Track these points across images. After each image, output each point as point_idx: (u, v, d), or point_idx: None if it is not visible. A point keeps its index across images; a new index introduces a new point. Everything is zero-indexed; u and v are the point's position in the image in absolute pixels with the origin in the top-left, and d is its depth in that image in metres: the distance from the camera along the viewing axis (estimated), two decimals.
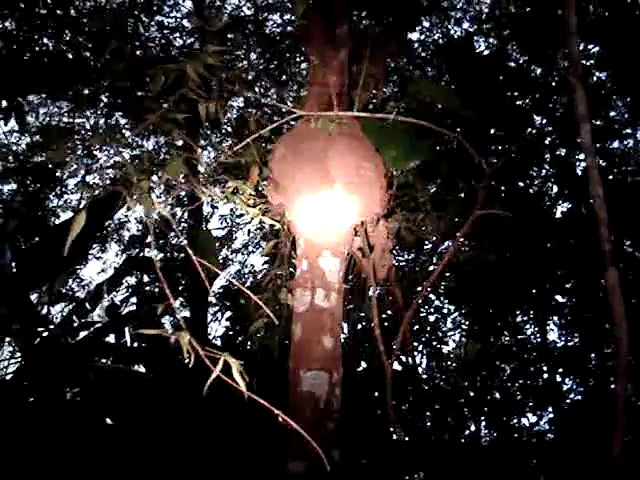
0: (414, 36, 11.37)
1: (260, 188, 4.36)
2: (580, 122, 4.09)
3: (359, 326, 10.09)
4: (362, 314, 9.48)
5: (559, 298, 11.26)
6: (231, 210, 15.12)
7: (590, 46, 9.92)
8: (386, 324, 9.32)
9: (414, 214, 5.01)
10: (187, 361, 1.93)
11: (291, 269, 4.64)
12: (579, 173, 10.46)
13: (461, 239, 4.39)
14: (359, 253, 4.46)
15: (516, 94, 8.60)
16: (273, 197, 4.03)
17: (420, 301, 9.62)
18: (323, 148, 3.96)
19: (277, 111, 9.89)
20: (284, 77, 12.57)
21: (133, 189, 2.45)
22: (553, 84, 9.26)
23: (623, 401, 3.55)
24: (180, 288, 10.68)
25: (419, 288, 9.14)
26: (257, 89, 12.06)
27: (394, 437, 9.02)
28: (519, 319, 11.89)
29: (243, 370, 1.86)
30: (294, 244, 4.20)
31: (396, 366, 11.40)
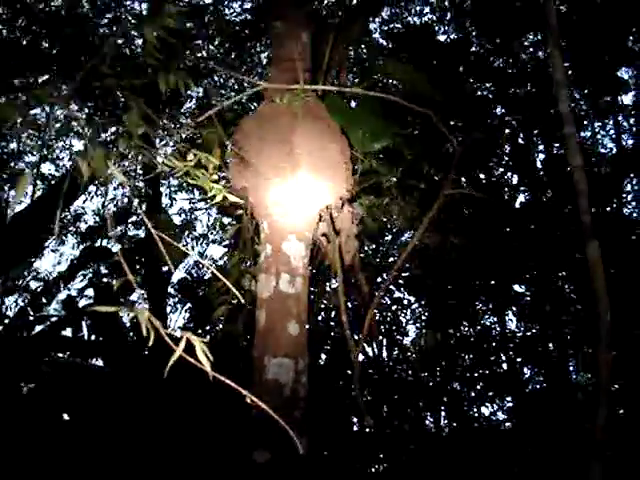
0: (374, 27, 11.39)
1: (219, 175, 4.24)
2: (558, 89, 4.02)
3: (320, 317, 10.03)
4: (324, 302, 9.42)
5: (517, 288, 11.34)
6: (190, 200, 15.00)
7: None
8: (350, 313, 9.29)
9: (379, 199, 4.95)
10: (148, 342, 1.81)
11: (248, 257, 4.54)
12: (538, 164, 10.57)
13: (427, 224, 4.30)
14: (323, 239, 4.38)
15: (477, 84, 8.61)
16: (236, 180, 3.92)
17: (386, 287, 9.59)
18: (287, 129, 3.87)
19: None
20: (244, 68, 12.43)
21: (89, 154, 2.31)
22: (513, 73, 9.30)
23: (607, 376, 3.50)
24: (138, 279, 10.52)
25: (384, 276, 9.10)
26: (217, 77, 11.90)
27: (355, 428, 9.02)
28: (478, 309, 11.93)
29: (207, 349, 1.75)
30: (257, 229, 4.10)
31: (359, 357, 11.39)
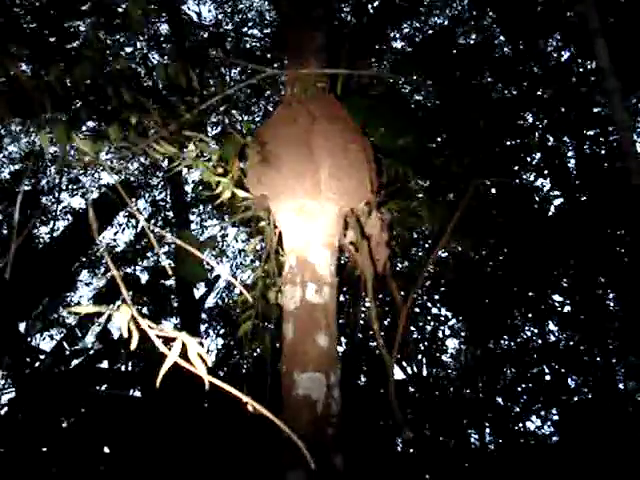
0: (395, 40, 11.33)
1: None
2: (593, 37, 3.74)
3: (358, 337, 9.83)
4: (362, 321, 9.24)
5: (557, 297, 11.04)
6: (221, 228, 15.05)
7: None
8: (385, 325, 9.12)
9: (407, 202, 4.76)
10: (131, 345, 1.63)
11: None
12: (571, 166, 10.32)
13: (457, 222, 4.07)
14: (352, 248, 4.18)
15: (503, 88, 8.43)
16: (255, 188, 3.75)
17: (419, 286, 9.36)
18: (306, 131, 3.69)
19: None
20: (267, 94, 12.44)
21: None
22: (538, 74, 9.09)
23: None
24: (170, 308, 10.47)
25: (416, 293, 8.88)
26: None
27: (399, 448, 8.78)
28: (517, 321, 11.64)
29: (203, 352, 1.57)
30: (280, 239, 3.92)
31: (400, 375, 11.25)
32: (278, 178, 3.63)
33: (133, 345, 1.60)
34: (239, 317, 4.37)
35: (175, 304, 11.08)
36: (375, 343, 9.69)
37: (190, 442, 5.84)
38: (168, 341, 1.63)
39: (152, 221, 15.73)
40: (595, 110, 9.30)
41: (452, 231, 3.87)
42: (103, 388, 7.02)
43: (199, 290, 11.04)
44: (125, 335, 1.58)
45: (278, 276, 4.14)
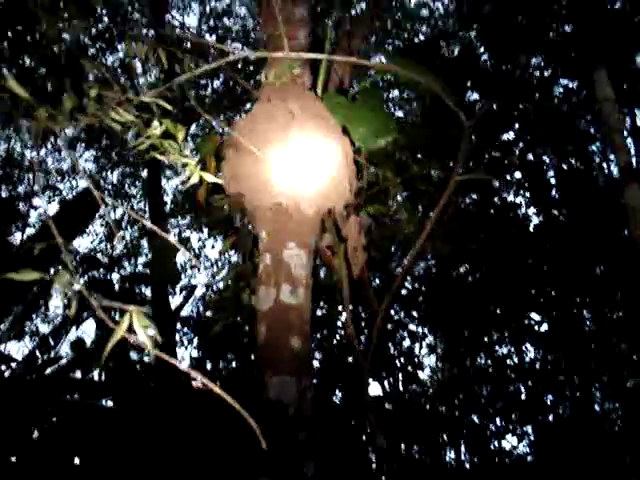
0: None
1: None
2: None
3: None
4: (335, 340, 9.13)
5: (534, 316, 11.03)
6: (199, 239, 15.05)
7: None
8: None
9: (386, 207, 4.68)
10: (71, 312, 1.54)
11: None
12: (551, 182, 10.32)
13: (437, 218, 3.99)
14: (329, 251, 4.09)
15: (484, 101, 8.41)
16: (230, 186, 3.65)
17: (395, 310, 9.28)
18: (284, 128, 3.60)
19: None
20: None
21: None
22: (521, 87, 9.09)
23: None
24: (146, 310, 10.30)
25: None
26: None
27: (374, 465, 8.66)
28: (494, 339, 11.62)
29: (154, 327, 1.49)
30: (255, 240, 3.82)
31: (378, 391, 11.15)
32: (254, 175, 3.54)
33: (72, 312, 1.51)
34: (210, 320, 4.28)
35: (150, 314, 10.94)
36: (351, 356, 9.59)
37: (163, 453, 5.74)
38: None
39: (129, 230, 15.66)
40: (576, 127, 9.33)
41: (431, 231, 3.78)
42: (75, 397, 6.91)
43: (174, 299, 10.94)
44: (64, 304, 1.49)
45: (252, 277, 4.03)
